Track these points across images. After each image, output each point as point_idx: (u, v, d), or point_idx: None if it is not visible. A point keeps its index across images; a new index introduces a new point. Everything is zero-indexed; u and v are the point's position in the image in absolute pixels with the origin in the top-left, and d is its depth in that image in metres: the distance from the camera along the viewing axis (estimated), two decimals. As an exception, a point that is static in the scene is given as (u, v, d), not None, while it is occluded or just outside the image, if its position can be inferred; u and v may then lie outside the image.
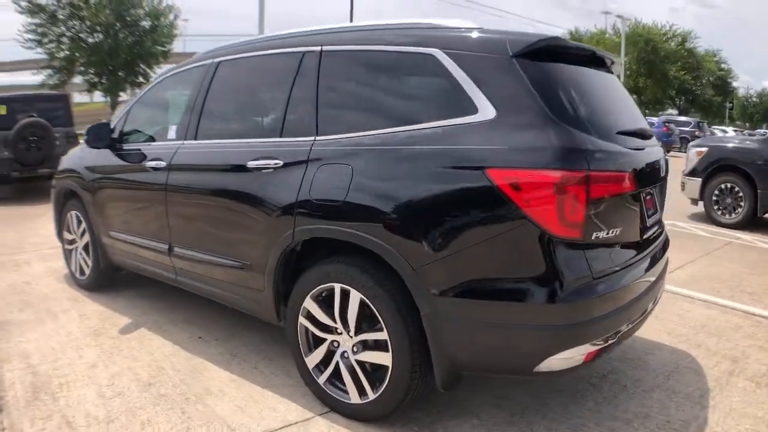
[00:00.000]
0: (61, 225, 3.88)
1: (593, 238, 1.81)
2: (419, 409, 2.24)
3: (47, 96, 9.69)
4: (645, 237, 2.21)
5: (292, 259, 2.32)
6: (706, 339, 3.12)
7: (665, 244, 2.58)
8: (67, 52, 22.82)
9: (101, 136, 3.23)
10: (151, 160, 2.96)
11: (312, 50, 2.36)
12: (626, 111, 2.35)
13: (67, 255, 3.85)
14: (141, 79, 24.22)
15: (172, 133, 2.99)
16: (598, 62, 2.29)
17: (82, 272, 3.68)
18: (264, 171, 2.35)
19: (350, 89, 2.27)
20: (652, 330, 3.23)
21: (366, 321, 2.08)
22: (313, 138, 2.24)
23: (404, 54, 2.09)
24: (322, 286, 2.17)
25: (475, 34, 1.98)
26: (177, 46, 26.98)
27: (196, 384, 2.47)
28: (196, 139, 2.79)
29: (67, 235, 3.80)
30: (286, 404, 2.31)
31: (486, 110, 1.82)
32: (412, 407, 2.21)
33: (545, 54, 1.91)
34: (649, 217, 2.24)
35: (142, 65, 24.52)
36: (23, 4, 21.25)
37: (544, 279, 1.73)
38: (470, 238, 1.81)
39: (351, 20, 20.33)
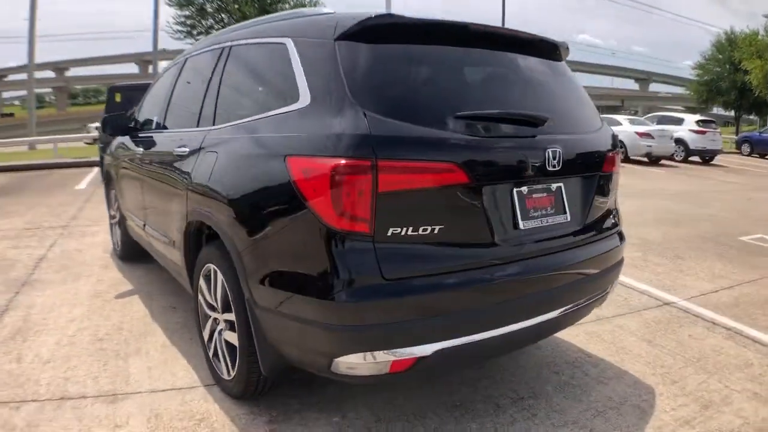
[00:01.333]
0: (108, 202, 4.62)
1: (389, 234, 1.62)
2: (293, 396, 2.28)
3: None
4: (514, 240, 1.89)
5: (199, 238, 2.51)
6: (690, 375, 2.58)
7: (600, 255, 2.20)
8: (215, 45, 24.80)
9: (117, 125, 3.74)
10: (138, 146, 3.41)
11: (224, 46, 2.53)
12: (519, 96, 2.08)
13: (111, 229, 4.57)
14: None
15: (156, 122, 3.38)
16: (488, 41, 2.06)
17: (117, 244, 4.34)
18: (179, 156, 2.58)
19: (235, 82, 2.39)
20: (629, 355, 2.78)
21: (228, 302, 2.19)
22: (210, 128, 2.40)
23: (267, 45, 2.14)
24: (206, 265, 2.32)
25: (314, 19, 1.95)
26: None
27: (134, 345, 2.80)
28: (164, 128, 3.15)
29: (110, 211, 4.52)
30: (187, 372, 2.52)
31: (305, 97, 1.79)
32: (288, 394, 2.27)
33: (379, 34, 1.79)
34: (527, 217, 1.93)
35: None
36: None
37: (326, 275, 1.63)
38: (271, 227, 1.81)
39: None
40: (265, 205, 1.84)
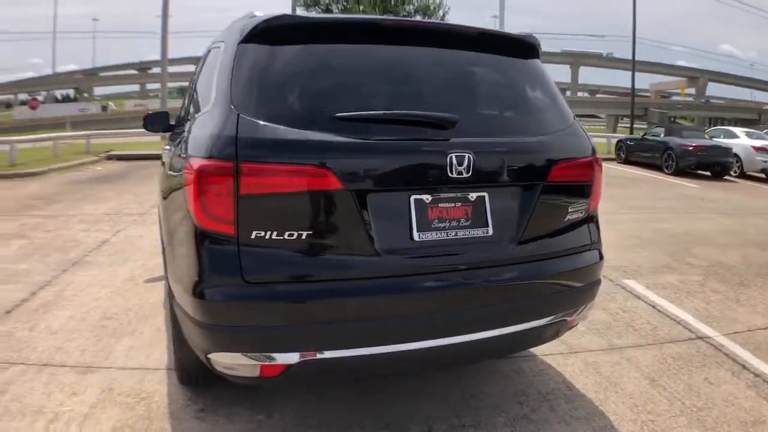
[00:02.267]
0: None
1: (253, 237, 1.59)
2: (232, 390, 2.34)
3: None
4: (406, 252, 1.73)
5: None
6: (678, 428, 2.20)
7: (547, 277, 1.96)
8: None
9: (156, 122, 3.82)
10: (170, 143, 3.71)
11: (209, 46, 2.66)
12: (435, 96, 1.93)
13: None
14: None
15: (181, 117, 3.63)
16: (407, 37, 1.96)
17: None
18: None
19: (201, 82, 2.48)
20: (618, 393, 2.45)
21: None
22: (183, 127, 2.57)
23: (214, 48, 2.24)
24: None
25: (238, 23, 1.97)
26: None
27: (133, 326, 3.07)
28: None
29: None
30: (161, 355, 2.70)
31: (212, 100, 1.84)
32: (228, 388, 2.33)
33: (276, 36, 1.78)
34: (428, 228, 1.74)
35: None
36: None
37: (194, 273, 1.65)
38: (174, 224, 1.90)
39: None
40: (174, 203, 1.94)
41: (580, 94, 78.07)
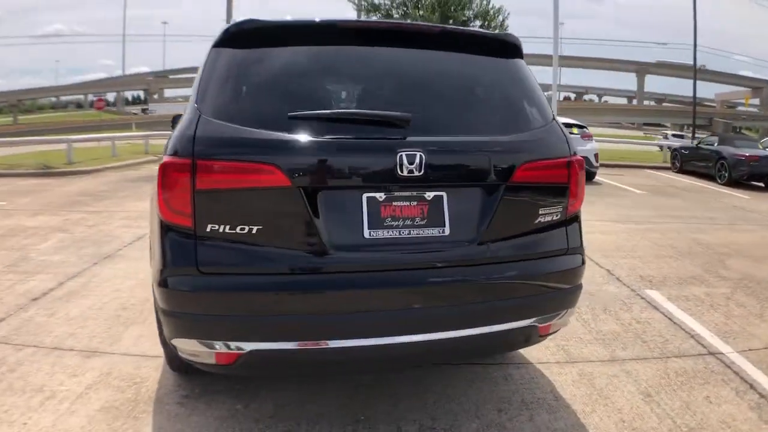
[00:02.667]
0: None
1: (208, 230, 1.67)
2: (220, 381, 2.44)
3: None
4: (357, 251, 1.75)
5: None
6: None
7: (511, 279, 1.92)
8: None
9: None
10: None
11: None
12: (393, 94, 1.95)
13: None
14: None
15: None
16: (370, 38, 2.00)
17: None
18: None
19: None
20: (607, 408, 2.36)
21: None
22: None
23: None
24: None
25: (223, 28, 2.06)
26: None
27: (145, 316, 3.23)
28: None
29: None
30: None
31: (189, 102, 1.92)
32: (217, 378, 2.43)
33: (243, 40, 1.87)
34: (380, 226, 1.76)
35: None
36: (359, 1, 21.54)
37: (159, 262, 1.75)
38: (152, 216, 2.02)
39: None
40: (152, 199, 2.06)
41: (646, 102, 74.88)
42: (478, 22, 21.88)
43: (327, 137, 1.75)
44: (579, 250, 2.11)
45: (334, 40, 1.96)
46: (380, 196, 1.78)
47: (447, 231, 1.83)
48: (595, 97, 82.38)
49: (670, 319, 3.42)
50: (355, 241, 1.75)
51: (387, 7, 22.00)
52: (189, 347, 1.76)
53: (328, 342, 1.74)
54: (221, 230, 1.68)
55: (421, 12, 21.18)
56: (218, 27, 2.41)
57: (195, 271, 1.68)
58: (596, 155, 11.04)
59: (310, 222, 1.72)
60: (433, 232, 1.82)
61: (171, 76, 79.25)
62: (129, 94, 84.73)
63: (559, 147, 2.03)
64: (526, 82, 2.12)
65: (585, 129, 11.28)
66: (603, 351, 2.94)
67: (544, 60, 40.09)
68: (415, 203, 1.81)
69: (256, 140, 1.70)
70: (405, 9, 21.92)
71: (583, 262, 2.12)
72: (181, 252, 1.70)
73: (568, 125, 10.38)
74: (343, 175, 1.78)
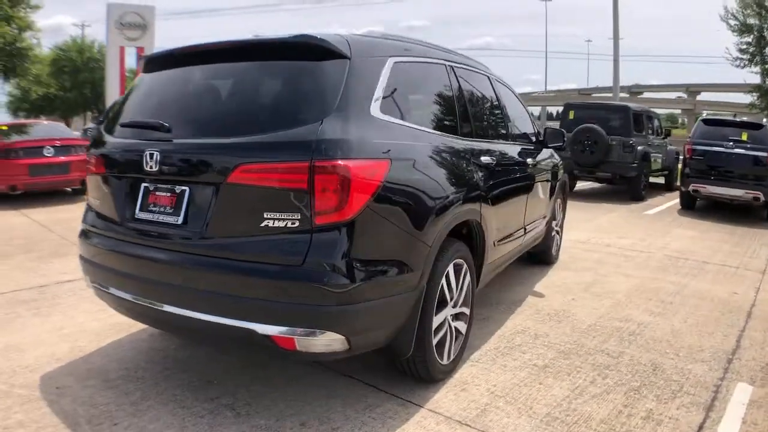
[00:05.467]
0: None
1: (88, 199, 2.58)
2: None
3: (609, 106, 10.31)
4: (133, 225, 2.24)
5: None
6: None
7: (224, 273, 1.98)
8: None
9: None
10: None
11: None
12: (188, 103, 2.36)
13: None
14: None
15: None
16: (220, 57, 2.33)
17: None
18: None
19: None
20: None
21: None
22: None
23: None
24: None
25: None
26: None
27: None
28: None
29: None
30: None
31: None
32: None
33: (148, 66, 2.54)
34: (145, 209, 2.23)
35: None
36: (733, 23, 20.43)
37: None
38: None
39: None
40: None
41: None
42: None
43: (121, 140, 2.37)
44: (331, 265, 1.89)
45: (171, 64, 2.45)
46: (151, 186, 2.22)
47: (180, 221, 2.11)
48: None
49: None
50: (131, 217, 2.27)
51: (761, 29, 20.02)
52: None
53: (109, 288, 2.34)
54: (91, 201, 2.55)
55: None
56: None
57: (84, 226, 2.57)
58: None
59: (114, 200, 2.36)
60: (173, 220, 2.14)
61: (594, 94, 66.77)
62: (554, 110, 78.87)
63: (299, 151, 1.88)
64: (300, 83, 2.06)
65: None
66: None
67: None
68: (168, 194, 2.16)
69: (98, 141, 2.53)
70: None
71: (347, 282, 1.90)
72: (84, 215, 2.61)
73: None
74: (124, 167, 2.33)
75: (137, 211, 2.26)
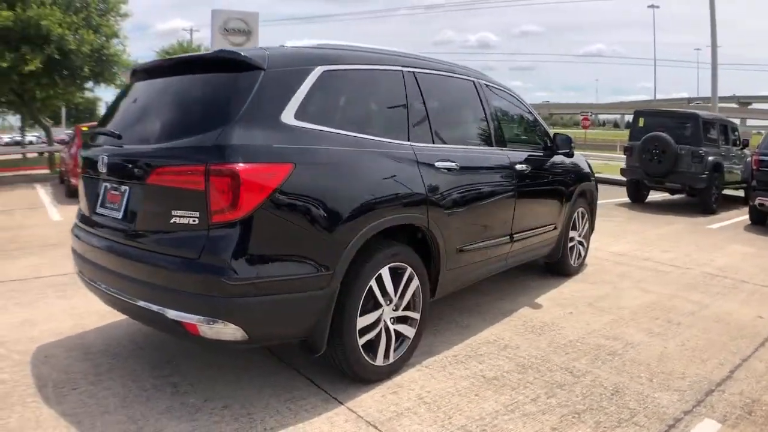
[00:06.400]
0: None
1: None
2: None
3: (678, 114, 9.72)
4: (95, 219, 2.60)
5: None
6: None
7: (143, 264, 2.26)
8: None
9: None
10: None
11: None
12: (139, 112, 2.62)
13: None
14: None
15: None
16: (164, 72, 2.61)
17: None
18: None
19: None
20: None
21: None
22: None
23: None
24: None
25: None
26: None
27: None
28: None
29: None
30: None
31: None
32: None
33: (133, 76, 2.84)
34: (103, 205, 2.57)
35: None
36: None
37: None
38: None
39: None
40: None
41: None
42: None
43: (95, 145, 2.73)
44: (223, 260, 2.05)
45: (141, 76, 2.75)
46: (108, 186, 2.55)
47: (121, 216, 2.42)
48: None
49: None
50: (94, 212, 2.63)
51: None
52: None
53: (84, 275, 2.69)
54: (79, 197, 2.96)
55: None
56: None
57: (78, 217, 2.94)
58: None
59: (88, 197, 2.72)
60: (117, 215, 2.44)
61: (694, 103, 65.25)
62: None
63: (201, 155, 2.07)
64: (220, 94, 2.23)
65: None
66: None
67: None
68: (117, 192, 2.47)
69: (85, 144, 3.03)
70: None
71: (238, 277, 2.04)
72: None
73: None
74: (93, 169, 2.64)
75: (98, 206, 2.61)
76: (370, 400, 2.47)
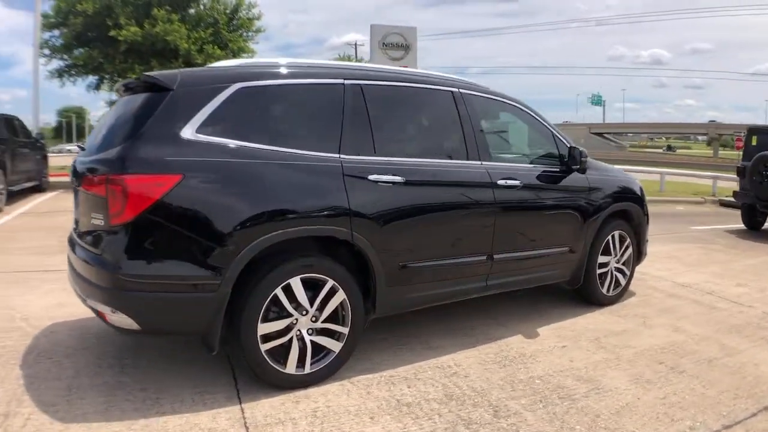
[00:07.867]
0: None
1: None
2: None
3: None
4: (73, 220, 2.93)
5: None
6: None
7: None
8: None
9: None
10: None
11: None
12: (104, 130, 2.82)
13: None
14: None
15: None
16: (126, 91, 2.88)
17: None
18: None
19: None
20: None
21: None
22: None
23: None
24: None
25: None
26: None
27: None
28: None
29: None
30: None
31: None
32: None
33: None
34: (76, 208, 2.91)
35: None
36: None
37: None
38: None
39: None
40: None
41: None
42: None
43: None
44: (113, 257, 2.37)
45: (120, 94, 3.02)
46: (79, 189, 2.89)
47: (74, 216, 2.86)
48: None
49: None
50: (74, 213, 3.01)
51: None
52: None
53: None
54: None
55: None
56: None
57: None
58: None
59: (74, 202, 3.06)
60: (77, 216, 2.84)
61: None
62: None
63: (106, 166, 2.41)
64: (131, 113, 2.55)
65: None
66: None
67: None
68: (78, 197, 2.84)
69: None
70: None
71: (123, 272, 2.33)
72: None
73: None
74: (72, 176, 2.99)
75: (74, 209, 3.03)
76: (267, 405, 2.52)
